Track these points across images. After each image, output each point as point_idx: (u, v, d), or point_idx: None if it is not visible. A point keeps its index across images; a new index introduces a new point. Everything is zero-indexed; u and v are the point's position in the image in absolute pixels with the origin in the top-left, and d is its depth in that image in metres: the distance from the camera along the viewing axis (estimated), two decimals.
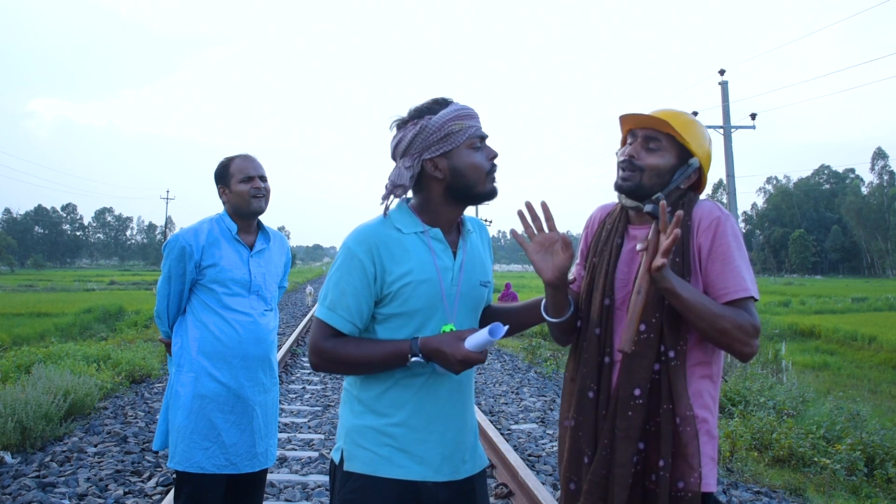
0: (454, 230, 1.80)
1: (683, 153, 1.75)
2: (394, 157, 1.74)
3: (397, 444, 1.69)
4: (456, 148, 1.67)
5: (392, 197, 1.72)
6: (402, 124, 1.72)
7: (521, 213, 1.70)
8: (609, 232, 1.83)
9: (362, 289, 1.68)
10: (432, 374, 1.70)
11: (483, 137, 1.72)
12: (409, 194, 1.78)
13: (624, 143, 1.85)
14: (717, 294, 1.67)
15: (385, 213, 1.72)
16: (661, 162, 1.73)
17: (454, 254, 1.76)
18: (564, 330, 1.83)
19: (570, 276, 1.90)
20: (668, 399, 1.65)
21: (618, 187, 1.79)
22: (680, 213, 1.54)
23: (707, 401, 1.72)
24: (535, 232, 1.69)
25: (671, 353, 1.66)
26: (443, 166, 1.68)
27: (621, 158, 1.78)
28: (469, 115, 1.69)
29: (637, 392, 1.66)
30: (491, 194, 1.73)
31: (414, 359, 1.65)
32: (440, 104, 1.70)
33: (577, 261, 1.96)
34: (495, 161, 1.73)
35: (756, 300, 1.67)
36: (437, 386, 1.72)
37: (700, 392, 1.70)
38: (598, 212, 1.95)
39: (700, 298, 1.61)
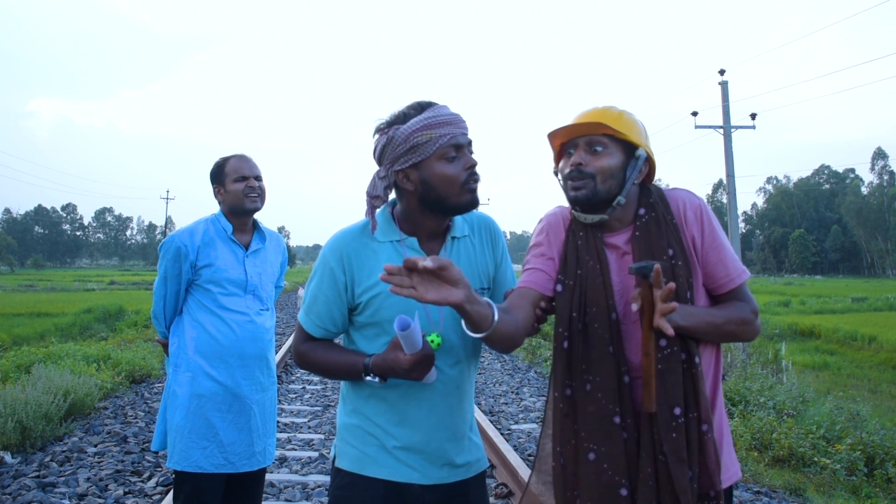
0: (438, 237, 1.73)
1: (628, 148, 1.65)
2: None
3: (383, 445, 1.69)
4: (426, 159, 1.60)
5: (374, 210, 1.67)
6: (377, 130, 1.67)
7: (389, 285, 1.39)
8: (585, 240, 1.68)
9: (333, 296, 1.68)
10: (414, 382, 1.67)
11: (458, 146, 1.61)
12: (394, 195, 1.73)
13: (558, 160, 1.74)
14: (719, 284, 1.65)
15: (373, 229, 1.67)
16: (610, 162, 1.62)
17: None
18: (502, 337, 1.54)
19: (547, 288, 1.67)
20: (695, 407, 1.56)
21: (573, 200, 1.65)
22: (672, 284, 1.44)
23: (719, 392, 1.69)
24: (412, 288, 1.35)
25: (696, 360, 1.58)
26: (413, 178, 1.62)
27: (568, 170, 1.65)
28: (441, 123, 1.59)
29: (678, 411, 1.55)
30: (468, 206, 1.64)
31: (368, 378, 1.63)
32: (415, 110, 1.62)
33: (534, 265, 1.73)
34: (475, 170, 1.64)
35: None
36: (422, 392, 1.69)
37: (715, 387, 1.67)
38: (560, 214, 1.77)
39: (702, 318, 1.57)
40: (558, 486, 1.65)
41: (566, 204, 1.74)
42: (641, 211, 1.67)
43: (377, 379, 1.62)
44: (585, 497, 1.60)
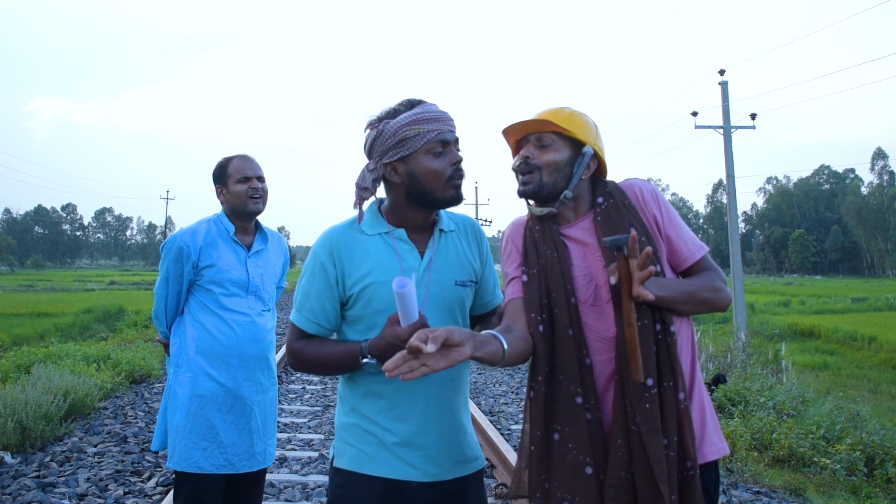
0: (426, 230, 1.77)
1: (576, 145, 1.73)
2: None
3: (381, 443, 1.70)
4: (413, 153, 1.65)
5: (363, 201, 1.72)
6: (369, 125, 1.72)
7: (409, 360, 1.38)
8: (542, 232, 1.76)
9: (325, 291, 1.71)
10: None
11: (445, 142, 1.67)
12: (383, 193, 1.78)
13: (514, 156, 1.82)
14: (682, 259, 1.73)
15: (360, 220, 1.72)
16: (556, 157, 1.71)
17: (422, 254, 1.74)
18: (516, 356, 1.62)
19: (509, 292, 1.75)
20: (670, 376, 1.60)
21: (521, 193, 1.75)
22: (649, 248, 1.48)
23: (696, 366, 1.73)
24: (424, 365, 1.37)
25: (671, 329, 1.62)
26: (401, 171, 1.68)
27: (517, 163, 1.75)
28: (429, 119, 1.65)
29: (650, 382, 1.59)
30: (452, 201, 1.70)
31: (365, 360, 1.64)
32: (405, 106, 1.69)
33: (513, 274, 1.78)
34: (460, 166, 1.69)
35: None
36: (416, 384, 1.69)
37: (692, 361, 1.71)
38: (518, 221, 1.85)
39: (677, 288, 1.63)
40: (532, 469, 1.68)
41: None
42: (599, 199, 1.75)
43: (375, 360, 1.63)
44: (553, 477, 1.65)
